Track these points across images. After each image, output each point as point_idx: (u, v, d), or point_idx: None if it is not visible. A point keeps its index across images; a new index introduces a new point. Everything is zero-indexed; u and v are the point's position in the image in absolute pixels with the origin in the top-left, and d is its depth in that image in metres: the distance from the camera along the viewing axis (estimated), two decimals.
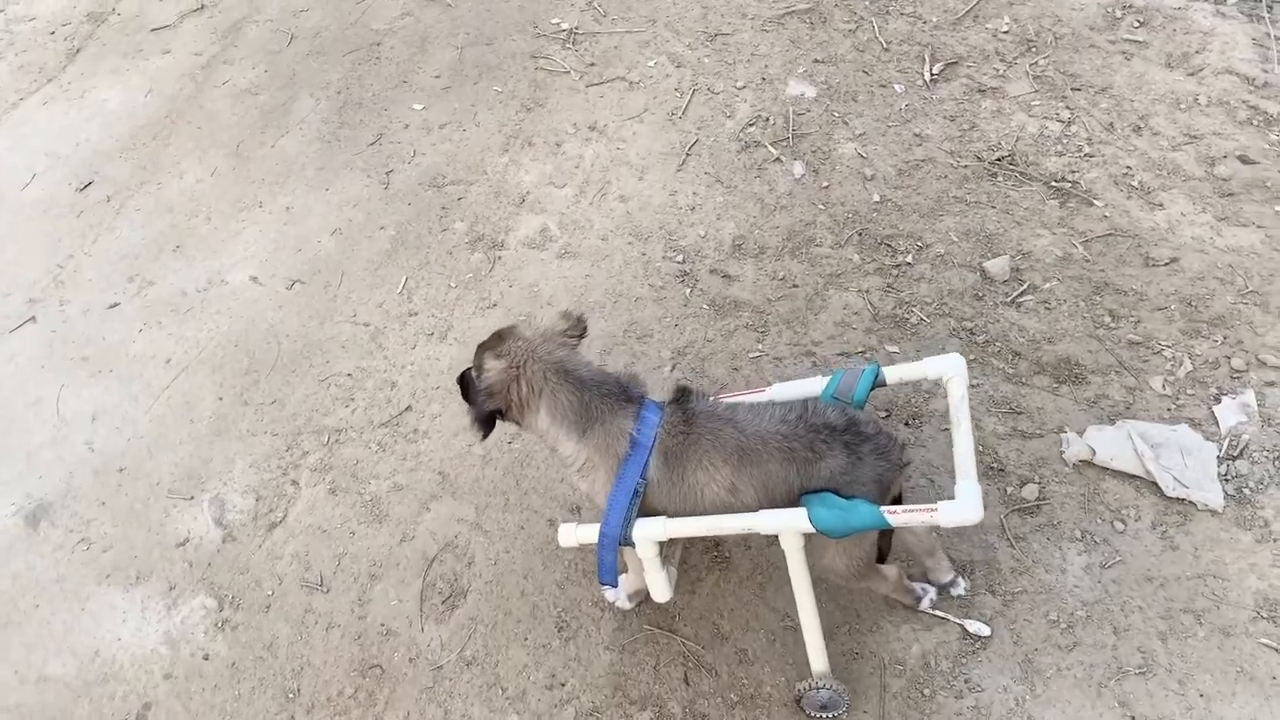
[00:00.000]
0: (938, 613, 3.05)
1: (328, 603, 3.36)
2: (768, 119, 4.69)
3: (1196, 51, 4.66)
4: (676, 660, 3.09)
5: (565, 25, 5.33)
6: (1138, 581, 3.07)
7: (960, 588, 3.06)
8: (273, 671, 3.22)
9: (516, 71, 5.13)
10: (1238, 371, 3.52)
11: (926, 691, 2.92)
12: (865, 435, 2.57)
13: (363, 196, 4.66)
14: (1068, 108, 4.52)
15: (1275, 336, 3.59)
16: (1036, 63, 4.75)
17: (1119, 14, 4.92)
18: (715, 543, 3.29)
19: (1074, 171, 4.26)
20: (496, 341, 2.77)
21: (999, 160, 4.34)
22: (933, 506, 2.40)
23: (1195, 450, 3.30)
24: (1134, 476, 3.28)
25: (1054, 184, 4.21)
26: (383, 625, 3.29)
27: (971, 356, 3.66)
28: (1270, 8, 4.80)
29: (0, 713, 3.22)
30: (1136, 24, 4.85)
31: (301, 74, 5.34)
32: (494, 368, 2.71)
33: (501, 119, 4.91)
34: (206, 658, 3.28)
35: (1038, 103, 4.57)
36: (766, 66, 4.93)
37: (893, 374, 2.79)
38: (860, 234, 4.15)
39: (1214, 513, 3.17)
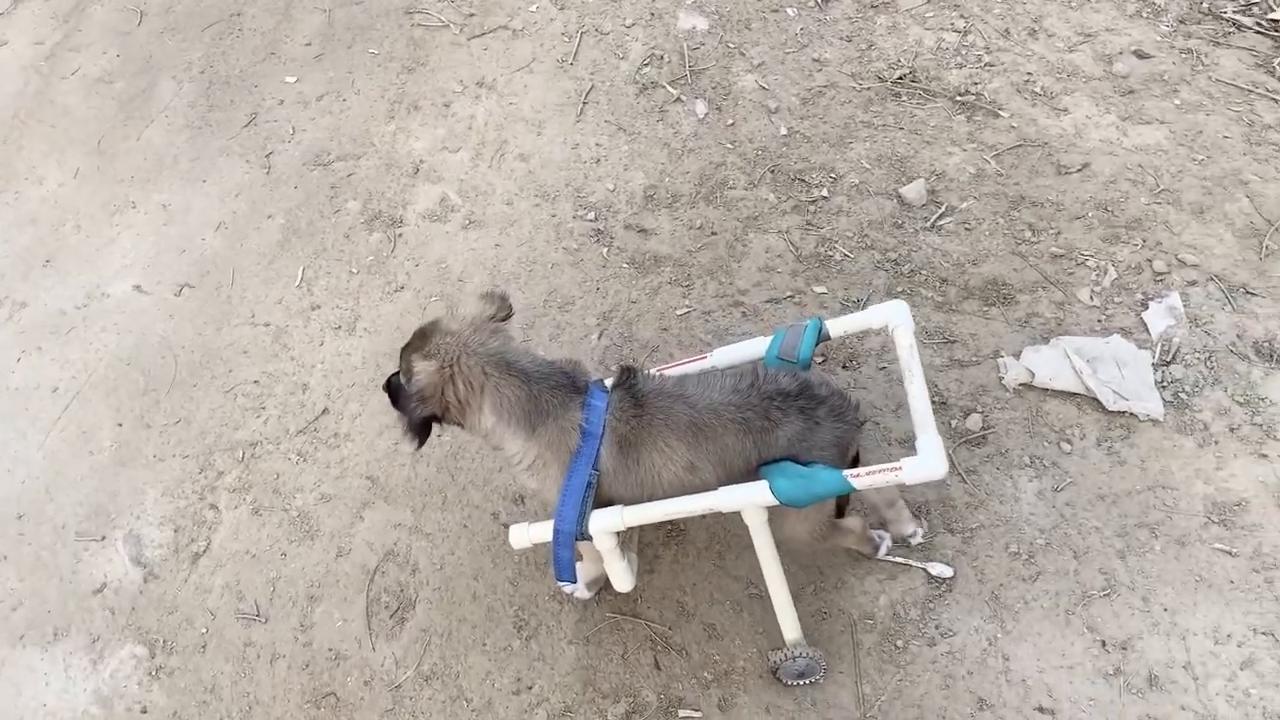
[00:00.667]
0: (899, 559, 3.01)
1: (268, 633, 3.17)
2: (662, 57, 4.48)
3: None
4: (644, 645, 3.00)
5: None
6: (1090, 502, 3.07)
7: (918, 536, 3.02)
8: (219, 715, 3.04)
9: (392, 30, 4.79)
10: (1160, 274, 3.52)
11: (899, 643, 2.90)
12: (819, 398, 2.50)
13: (244, 184, 4.33)
14: (962, 16, 4.42)
15: (1191, 234, 3.60)
16: None
17: None
18: None
19: (976, 83, 4.18)
20: (421, 340, 2.56)
21: (901, 79, 4.23)
22: (897, 465, 2.34)
23: (1130, 360, 3.30)
24: (1074, 394, 3.28)
25: (958, 98, 4.13)
26: (330, 649, 3.11)
27: (900, 289, 3.60)
28: None
29: None
30: None
31: (158, 55, 4.89)
32: (424, 369, 2.50)
33: (382, 84, 4.59)
34: (144, 711, 3.07)
35: (931, 14, 4.45)
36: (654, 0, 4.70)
37: (836, 327, 2.71)
38: (772, 171, 4.01)
39: (1155, 422, 3.19)
